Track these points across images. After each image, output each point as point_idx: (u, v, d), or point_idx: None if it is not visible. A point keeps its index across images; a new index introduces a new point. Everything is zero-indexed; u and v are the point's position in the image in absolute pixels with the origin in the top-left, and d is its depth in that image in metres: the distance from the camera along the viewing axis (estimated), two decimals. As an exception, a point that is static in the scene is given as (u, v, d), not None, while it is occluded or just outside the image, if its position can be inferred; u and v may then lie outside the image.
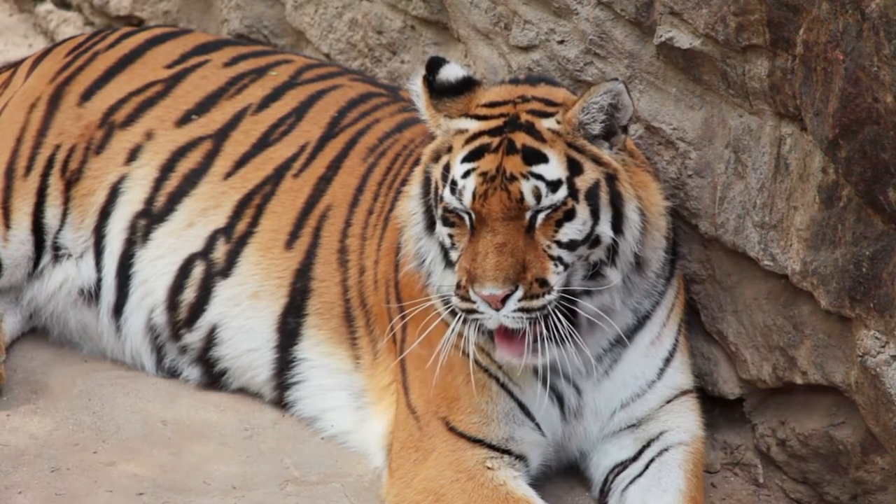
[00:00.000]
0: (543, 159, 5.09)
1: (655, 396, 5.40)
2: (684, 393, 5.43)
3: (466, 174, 5.10)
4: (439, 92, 5.28)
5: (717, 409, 5.65)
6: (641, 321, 5.35)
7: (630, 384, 5.37)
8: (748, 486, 5.60)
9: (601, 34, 5.57)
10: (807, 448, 5.39)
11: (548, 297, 5.02)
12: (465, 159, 5.13)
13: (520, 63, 5.80)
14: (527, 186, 5.05)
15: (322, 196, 5.84)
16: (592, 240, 5.09)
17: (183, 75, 6.19)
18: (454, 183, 5.11)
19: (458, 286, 5.06)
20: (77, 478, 5.45)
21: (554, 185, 5.07)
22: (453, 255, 5.12)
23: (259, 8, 7.22)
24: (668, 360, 5.41)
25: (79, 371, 6.03)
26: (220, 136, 6.03)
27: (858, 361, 4.99)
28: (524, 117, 5.17)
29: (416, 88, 5.31)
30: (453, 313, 5.16)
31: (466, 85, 5.30)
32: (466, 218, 5.09)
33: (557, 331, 5.02)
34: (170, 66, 6.22)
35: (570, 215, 5.07)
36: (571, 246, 5.06)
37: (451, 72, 5.31)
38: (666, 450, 5.36)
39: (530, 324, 5.02)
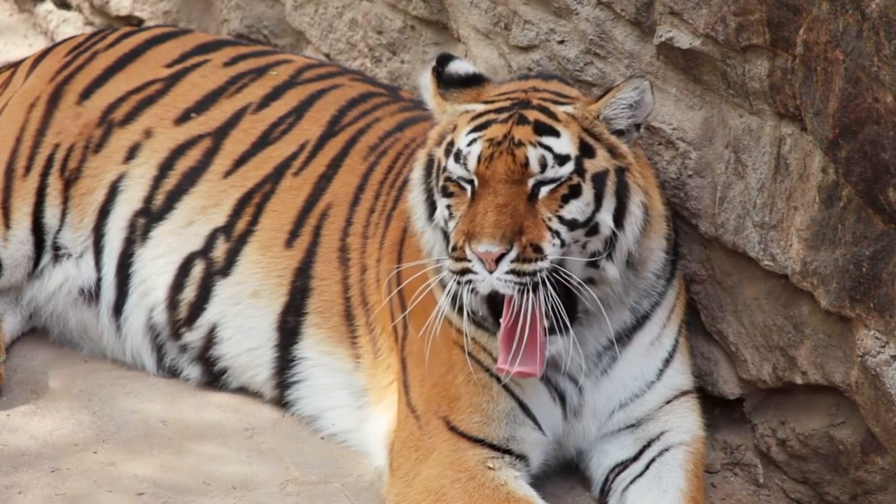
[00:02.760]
0: (555, 133, 5.11)
1: (655, 397, 5.39)
2: (684, 394, 5.43)
3: (473, 141, 5.11)
4: (447, 83, 5.31)
5: (717, 409, 5.65)
6: (640, 321, 5.35)
7: (629, 384, 5.37)
8: (748, 486, 5.60)
9: (601, 34, 5.57)
10: (807, 448, 5.39)
11: (540, 264, 4.99)
12: (472, 130, 5.14)
13: (520, 63, 5.80)
14: (533, 153, 5.06)
15: (322, 194, 5.84)
16: (591, 226, 5.08)
17: (182, 74, 6.19)
18: (459, 151, 5.11)
19: (455, 248, 5.04)
20: (77, 478, 5.44)
21: (561, 159, 5.07)
22: (451, 226, 5.10)
23: (259, 8, 7.23)
24: (667, 361, 5.40)
25: (79, 371, 6.03)
26: (220, 134, 6.03)
27: (858, 361, 5.00)
28: (536, 101, 5.20)
29: (423, 80, 5.35)
30: (455, 307, 5.16)
31: (475, 80, 5.32)
32: (468, 187, 5.07)
33: (552, 306, 4.97)
34: (169, 66, 6.22)
35: (576, 192, 5.07)
36: (572, 225, 5.05)
37: (461, 66, 5.35)
38: (666, 450, 5.36)
39: (520, 291, 4.97)
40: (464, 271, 5.02)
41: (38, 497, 5.34)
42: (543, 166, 5.06)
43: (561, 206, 5.05)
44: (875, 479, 5.25)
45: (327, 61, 6.64)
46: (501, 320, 5.08)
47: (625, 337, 5.33)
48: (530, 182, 5.05)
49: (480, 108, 5.23)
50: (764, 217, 5.25)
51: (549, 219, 5.04)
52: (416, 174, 5.31)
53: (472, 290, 5.03)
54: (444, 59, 5.36)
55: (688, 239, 5.55)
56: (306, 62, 6.28)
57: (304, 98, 6.07)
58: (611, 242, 5.11)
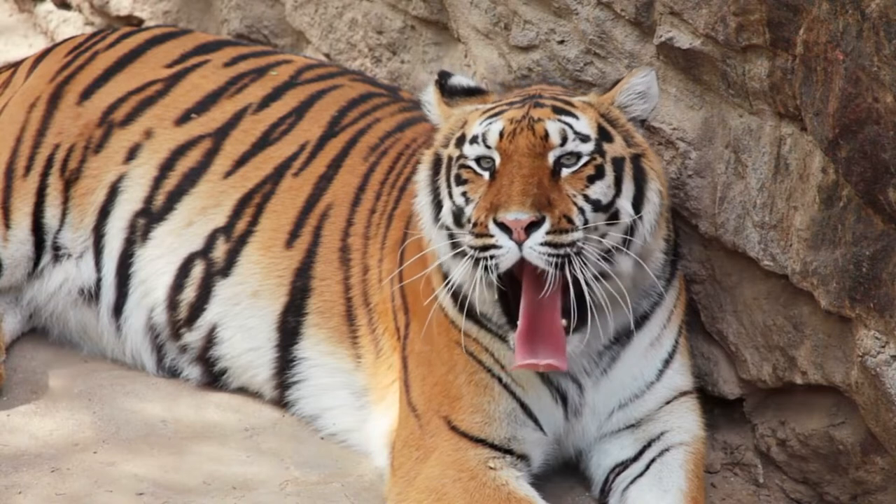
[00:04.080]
0: (573, 115, 5.13)
1: (654, 398, 5.39)
2: (684, 394, 5.42)
3: (491, 123, 5.10)
4: (451, 94, 5.33)
5: (717, 409, 5.65)
6: (640, 321, 5.34)
7: (629, 385, 5.37)
8: (748, 486, 5.60)
9: (601, 34, 5.57)
10: (807, 448, 5.39)
11: (575, 235, 4.93)
12: (488, 118, 5.15)
13: (520, 63, 5.80)
14: (553, 126, 5.06)
15: (323, 195, 5.84)
16: (612, 212, 5.05)
17: (183, 75, 6.19)
18: (476, 135, 5.10)
19: (475, 224, 4.97)
20: (77, 478, 5.44)
21: (582, 137, 5.07)
22: (468, 211, 5.06)
23: (259, 8, 7.23)
24: (667, 362, 5.40)
25: (79, 371, 6.03)
26: (220, 134, 6.04)
27: (858, 361, 5.00)
28: (549, 94, 5.25)
29: (426, 97, 5.37)
30: (462, 308, 5.16)
31: (477, 92, 5.36)
32: (485, 172, 5.04)
33: (585, 278, 4.90)
34: (170, 66, 6.22)
35: (600, 172, 5.06)
36: (596, 205, 5.02)
37: (462, 80, 5.40)
38: (667, 450, 5.36)
39: (556, 266, 4.89)
40: (485, 247, 4.94)
41: (38, 497, 5.34)
42: (564, 139, 5.05)
43: (587, 186, 5.03)
44: (875, 479, 5.25)
45: (327, 61, 6.64)
46: (521, 304, 4.98)
47: (624, 337, 5.32)
48: (551, 157, 5.03)
49: (490, 105, 5.25)
50: (764, 217, 5.25)
51: (575, 196, 5.00)
52: (422, 176, 5.30)
53: (494, 267, 4.93)
54: (444, 75, 5.38)
55: (688, 239, 5.55)
56: (306, 62, 6.28)
57: (305, 98, 6.07)
58: (629, 233, 5.08)
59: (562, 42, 5.70)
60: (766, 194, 5.24)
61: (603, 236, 5.03)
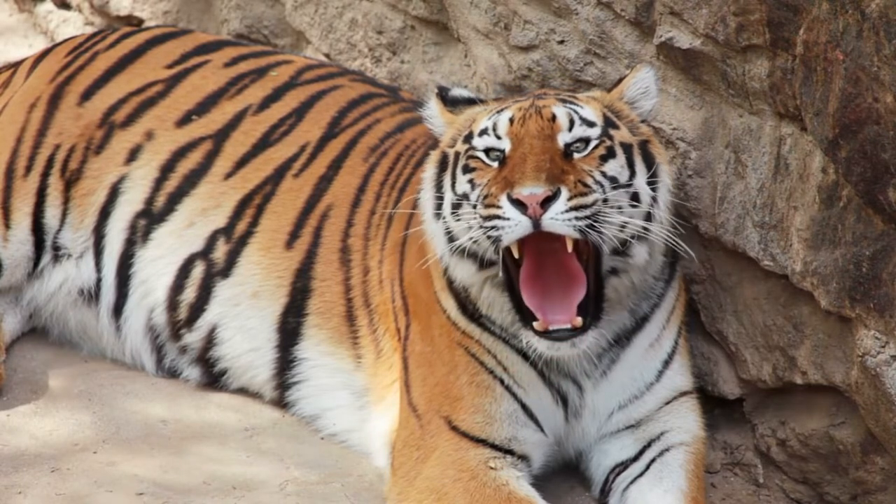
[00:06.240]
0: (577, 104, 5.17)
1: (654, 399, 5.39)
2: (684, 394, 5.42)
3: (499, 114, 5.14)
4: (452, 105, 5.35)
5: (717, 409, 5.65)
6: (640, 323, 5.35)
7: (628, 386, 5.37)
8: (748, 486, 5.60)
9: (601, 34, 5.58)
10: (807, 448, 5.39)
11: (596, 195, 4.95)
12: (496, 112, 5.18)
13: (520, 63, 5.80)
14: (560, 110, 5.10)
15: (323, 196, 5.84)
16: (633, 192, 5.06)
17: (183, 75, 6.19)
18: (485, 128, 5.13)
19: (486, 197, 4.98)
20: (77, 478, 5.44)
21: (588, 122, 5.11)
22: (473, 196, 5.07)
23: (259, 8, 7.23)
24: (667, 363, 5.40)
25: (79, 371, 6.03)
26: (221, 136, 6.04)
27: (858, 361, 5.00)
28: (553, 93, 5.28)
29: (429, 111, 5.38)
30: (464, 309, 5.18)
31: (476, 102, 5.39)
32: (494, 162, 5.06)
33: (605, 237, 4.91)
34: (170, 67, 6.22)
35: (611, 152, 5.09)
36: (613, 181, 5.04)
37: (463, 91, 5.42)
38: (667, 450, 5.36)
39: (581, 231, 4.89)
40: (491, 217, 4.94)
41: (38, 497, 5.34)
42: (571, 122, 5.08)
43: (601, 164, 5.05)
44: (875, 479, 5.25)
45: (327, 62, 6.64)
46: (522, 275, 5.00)
47: (624, 339, 5.33)
48: (561, 139, 5.06)
49: (496, 104, 5.27)
50: (764, 217, 5.25)
51: (591, 171, 5.02)
52: (428, 174, 5.32)
53: (497, 240, 4.95)
54: (443, 89, 5.43)
55: (688, 239, 5.54)
56: (306, 63, 6.28)
57: (305, 99, 6.07)
58: (648, 220, 5.08)
59: (562, 42, 5.70)
60: (766, 194, 5.24)
61: (625, 226, 5.03)
